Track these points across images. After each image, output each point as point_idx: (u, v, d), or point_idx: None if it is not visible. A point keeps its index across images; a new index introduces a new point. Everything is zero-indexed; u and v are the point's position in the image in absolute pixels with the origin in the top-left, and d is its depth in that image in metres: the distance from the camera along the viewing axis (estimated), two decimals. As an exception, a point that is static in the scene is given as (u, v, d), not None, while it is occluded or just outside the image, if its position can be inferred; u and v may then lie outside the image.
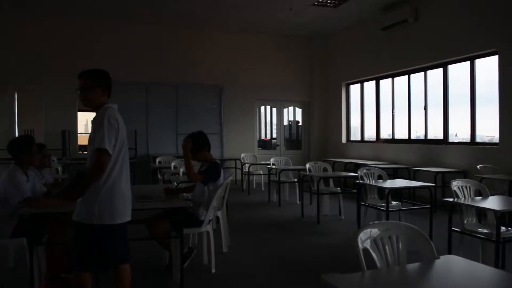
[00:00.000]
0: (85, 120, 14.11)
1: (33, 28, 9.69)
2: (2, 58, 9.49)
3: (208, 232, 4.07)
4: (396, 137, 9.62)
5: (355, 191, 6.24)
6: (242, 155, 10.44)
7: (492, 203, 3.64)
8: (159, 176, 8.32)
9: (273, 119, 12.15)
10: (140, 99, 10.39)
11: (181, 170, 6.40)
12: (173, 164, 7.60)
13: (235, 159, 10.46)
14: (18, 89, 9.66)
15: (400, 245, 2.02)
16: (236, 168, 10.56)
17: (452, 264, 1.90)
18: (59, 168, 6.82)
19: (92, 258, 2.58)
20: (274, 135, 12.08)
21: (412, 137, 9.08)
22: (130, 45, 10.36)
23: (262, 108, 12.06)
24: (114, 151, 2.56)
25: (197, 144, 4.08)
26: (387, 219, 4.71)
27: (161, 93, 10.55)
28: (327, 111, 11.91)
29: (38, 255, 3.52)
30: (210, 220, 4.07)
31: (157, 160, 8.81)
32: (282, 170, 8.07)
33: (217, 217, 4.67)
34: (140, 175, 9.92)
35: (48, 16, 9.71)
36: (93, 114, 2.71)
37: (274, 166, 8.50)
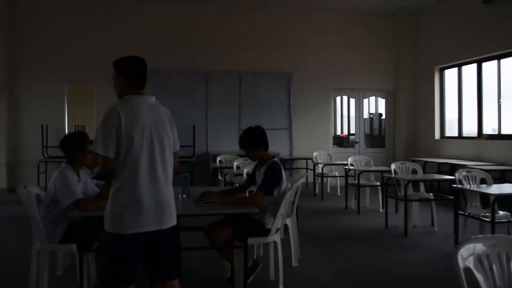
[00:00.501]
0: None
1: (81, 20, 10.26)
2: (52, 51, 10.16)
3: (275, 243, 4.04)
4: (503, 132, 9.05)
5: (452, 197, 6.01)
6: (315, 153, 10.33)
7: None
8: (219, 177, 8.46)
9: (351, 112, 11.93)
10: (199, 91, 10.63)
11: (245, 170, 6.44)
12: (235, 163, 7.68)
13: (307, 159, 10.38)
14: (69, 82, 10.30)
15: (511, 265, 1.92)
16: (307, 168, 10.50)
17: None
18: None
19: (111, 271, 2.58)
20: (352, 130, 11.87)
21: (525, 132, 8.52)
22: (183, 30, 10.62)
23: (338, 99, 11.87)
24: (119, 152, 2.58)
25: (252, 141, 4.07)
26: (493, 232, 4.50)
27: (222, 84, 10.72)
28: (416, 101, 11.47)
29: (89, 262, 3.68)
30: (277, 229, 4.04)
31: (218, 159, 8.96)
32: (362, 171, 7.88)
33: (286, 226, 4.62)
34: (199, 175, 10.16)
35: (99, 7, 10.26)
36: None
37: (352, 167, 8.33)
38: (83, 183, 3.88)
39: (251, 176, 4.26)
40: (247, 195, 4.49)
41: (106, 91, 10.32)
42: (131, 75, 2.72)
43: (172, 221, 2.68)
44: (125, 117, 2.58)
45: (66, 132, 10.10)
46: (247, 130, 4.15)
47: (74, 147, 3.82)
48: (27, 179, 9.55)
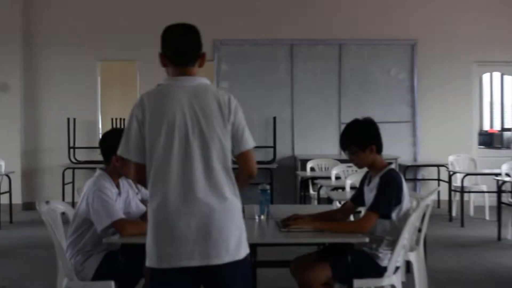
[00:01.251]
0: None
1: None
2: (77, 19, 10.71)
3: (393, 287, 3.97)
4: None
5: None
6: (451, 158, 10.04)
7: None
8: (311, 192, 8.45)
9: (504, 96, 11.51)
10: (281, 68, 10.72)
11: (348, 182, 6.41)
12: (334, 172, 7.65)
13: (438, 165, 10.21)
14: (102, 58, 10.81)
15: None
16: (439, 180, 10.34)
17: None
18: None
19: None
20: (509, 124, 11.43)
21: None
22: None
23: (486, 77, 11.49)
24: (147, 154, 2.74)
25: (360, 139, 4.00)
26: None
27: (313, 59, 10.72)
28: None
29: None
30: (397, 268, 3.99)
31: (308, 165, 8.98)
32: (524, 185, 7.55)
33: (409, 263, 4.54)
34: (281, 188, 10.21)
35: None
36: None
37: (508, 178, 8.01)
38: (124, 197, 4.02)
39: (358, 192, 4.22)
40: (352, 218, 4.44)
41: (154, 69, 10.77)
42: (169, 51, 2.87)
43: (232, 254, 2.67)
44: (151, 107, 2.73)
45: (100, 128, 10.58)
46: (353, 124, 4.10)
47: (113, 149, 3.94)
48: (49, 192, 10.14)
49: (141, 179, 2.79)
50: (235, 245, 2.67)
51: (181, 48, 2.84)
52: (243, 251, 2.71)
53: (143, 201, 4.47)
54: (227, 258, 2.64)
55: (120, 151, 2.79)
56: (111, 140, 3.89)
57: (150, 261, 2.67)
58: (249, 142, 2.83)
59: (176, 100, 2.73)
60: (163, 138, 2.68)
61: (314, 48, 10.75)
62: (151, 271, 2.68)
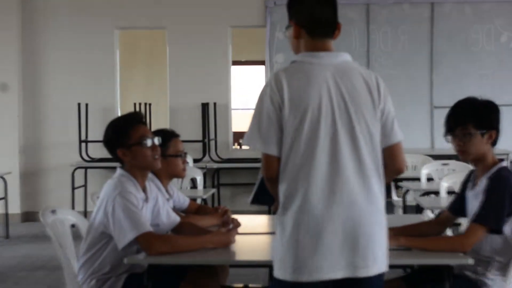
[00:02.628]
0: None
1: None
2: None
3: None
4: None
5: None
6: None
7: None
8: (394, 198, 8.36)
9: None
10: (354, 35, 10.68)
11: (444, 185, 6.31)
12: (424, 172, 7.55)
13: None
14: (121, 26, 10.94)
15: None
16: None
17: None
18: (198, 179, 7.38)
19: None
20: None
21: None
22: None
23: None
24: (282, 146, 2.80)
25: (482, 118, 3.91)
26: None
27: (396, 23, 10.62)
28: None
29: None
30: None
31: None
32: None
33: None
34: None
35: None
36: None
37: None
38: (152, 205, 4.04)
39: (458, 198, 4.16)
40: (450, 233, 4.38)
41: (189, 39, 10.91)
42: (306, 18, 2.96)
43: (379, 265, 2.85)
44: (291, 88, 2.80)
45: (119, 115, 10.65)
46: (471, 100, 4.00)
47: (115, 141, 3.96)
48: (55, 198, 10.33)
49: (272, 177, 2.86)
50: (381, 254, 2.85)
51: (324, 15, 2.95)
52: (385, 262, 2.88)
53: (175, 210, 4.51)
54: (374, 270, 2.81)
55: (247, 141, 2.87)
56: (113, 129, 4.01)
57: (283, 273, 2.78)
58: (399, 133, 2.97)
59: (321, 82, 2.82)
60: (307, 127, 2.77)
61: (397, 9, 10.70)
62: (280, 284, 2.78)
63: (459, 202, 4.12)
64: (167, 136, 4.52)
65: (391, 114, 2.92)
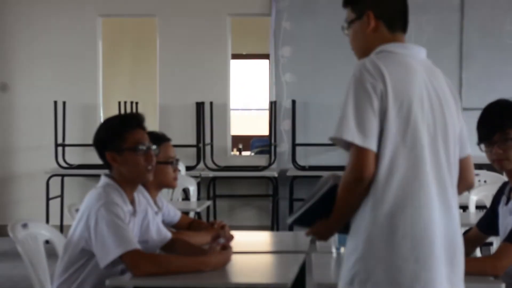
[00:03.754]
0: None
1: None
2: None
3: None
4: None
5: None
6: None
7: None
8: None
9: None
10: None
11: (473, 198, 6.31)
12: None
13: None
14: (104, 13, 10.95)
15: None
16: None
17: None
18: (191, 190, 7.37)
19: None
20: None
21: None
22: None
23: None
24: (382, 142, 2.72)
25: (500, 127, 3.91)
26: None
27: (420, 11, 10.59)
28: None
29: None
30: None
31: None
32: None
33: None
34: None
35: None
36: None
37: None
38: (140, 219, 4.04)
39: (489, 214, 4.17)
40: (479, 254, 4.39)
41: (181, 29, 10.91)
42: (388, 9, 3.01)
43: (462, 283, 2.91)
44: (393, 78, 2.76)
45: (101, 115, 10.67)
46: (502, 104, 4.01)
47: (106, 142, 3.95)
48: (26, 211, 10.32)
49: (368, 178, 2.74)
50: (463, 272, 2.91)
51: (403, 6, 3.04)
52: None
53: (165, 224, 4.51)
54: (460, 284, 2.90)
55: (341, 133, 2.72)
56: (107, 128, 4.01)
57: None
58: (468, 145, 3.04)
59: (419, 77, 2.85)
60: (412, 126, 2.77)
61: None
62: None
63: (490, 218, 4.12)
64: (156, 140, 4.49)
65: (463, 121, 3.00)
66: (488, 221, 4.14)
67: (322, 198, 2.98)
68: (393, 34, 2.97)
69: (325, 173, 2.99)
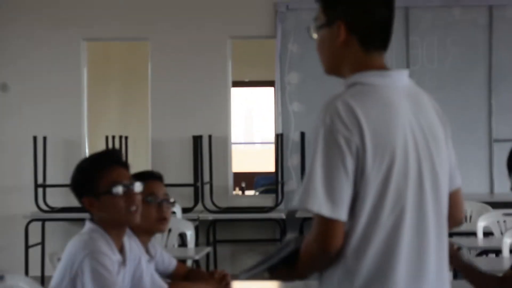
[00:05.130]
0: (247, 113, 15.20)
1: None
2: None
3: None
4: None
5: None
6: None
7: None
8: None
9: None
10: (391, 45, 10.65)
11: (507, 241, 6.34)
12: (481, 224, 7.57)
13: None
14: (90, 37, 11.00)
15: None
16: None
17: None
18: (189, 234, 7.37)
19: None
20: None
21: None
22: None
23: None
24: (357, 204, 2.58)
25: None
26: None
27: (444, 29, 10.67)
28: None
29: None
30: None
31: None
32: None
33: None
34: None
35: None
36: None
37: None
38: (132, 269, 4.02)
39: None
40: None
41: (177, 54, 10.92)
42: (365, 22, 2.77)
43: None
44: (371, 124, 2.59)
45: (87, 152, 10.68)
46: None
47: (85, 185, 3.96)
48: (3, 260, 10.22)
49: (336, 250, 2.61)
50: None
51: (384, 18, 2.81)
52: None
53: (163, 274, 4.51)
54: None
55: (305, 203, 2.59)
56: (79, 171, 3.98)
57: None
58: (459, 176, 2.91)
59: (403, 115, 2.68)
60: (394, 183, 2.62)
61: (445, 13, 10.79)
62: None
63: None
64: (141, 177, 4.50)
65: (451, 151, 2.87)
66: None
67: (282, 260, 2.95)
68: (367, 53, 2.76)
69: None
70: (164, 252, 4.77)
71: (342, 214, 2.54)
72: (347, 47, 2.76)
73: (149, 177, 4.58)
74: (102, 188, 3.80)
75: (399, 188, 2.61)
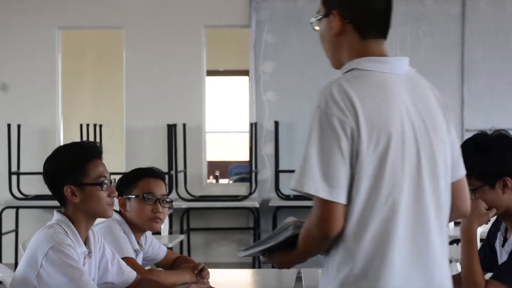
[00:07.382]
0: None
1: None
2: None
3: None
4: None
5: None
6: None
7: None
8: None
9: None
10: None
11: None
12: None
13: None
14: (65, 26, 10.97)
15: None
16: None
17: None
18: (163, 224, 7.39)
19: None
20: None
21: None
22: None
23: None
24: (354, 188, 2.59)
25: (485, 167, 3.92)
26: None
27: (416, 21, 10.67)
28: None
29: None
30: None
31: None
32: None
33: None
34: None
35: None
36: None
37: None
38: (96, 260, 3.92)
39: (487, 250, 4.17)
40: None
41: (152, 43, 10.91)
42: (363, 12, 2.78)
43: None
44: (366, 108, 2.60)
45: (61, 140, 10.64)
46: (473, 141, 4.01)
47: (63, 175, 3.92)
48: (-23, 247, 10.21)
49: (335, 234, 2.62)
50: None
51: (381, 6, 2.83)
52: None
53: (148, 261, 4.53)
54: None
55: (301, 184, 2.59)
56: (66, 159, 3.88)
57: None
58: (462, 166, 2.91)
59: (399, 99, 2.69)
60: (390, 166, 2.62)
61: (418, 4, 10.82)
62: None
63: (488, 254, 4.14)
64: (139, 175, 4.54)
65: (456, 137, 2.89)
66: (487, 257, 4.14)
67: (280, 243, 2.94)
68: (365, 42, 2.75)
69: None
70: (155, 240, 4.77)
71: (340, 197, 2.55)
72: (344, 35, 2.76)
73: (150, 175, 4.62)
74: (91, 179, 3.75)
75: (395, 173, 2.62)
